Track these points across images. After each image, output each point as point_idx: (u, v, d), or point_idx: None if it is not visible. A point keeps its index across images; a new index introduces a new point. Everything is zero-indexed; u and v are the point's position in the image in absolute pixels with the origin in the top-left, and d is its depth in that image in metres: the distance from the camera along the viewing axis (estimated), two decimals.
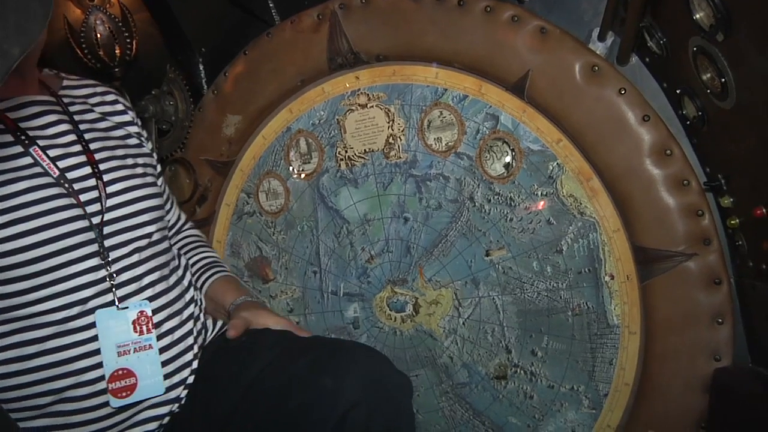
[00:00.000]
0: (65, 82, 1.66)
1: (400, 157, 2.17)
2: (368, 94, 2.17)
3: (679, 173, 1.85)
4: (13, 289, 1.35)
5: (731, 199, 1.75)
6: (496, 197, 2.06)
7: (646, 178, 1.87)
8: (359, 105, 2.19)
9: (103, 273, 1.42)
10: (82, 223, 1.41)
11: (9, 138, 1.41)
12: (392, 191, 2.19)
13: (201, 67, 2.43)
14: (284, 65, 2.22)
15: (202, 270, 1.81)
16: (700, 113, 1.73)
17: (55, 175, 1.41)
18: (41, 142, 1.44)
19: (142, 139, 1.73)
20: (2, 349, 1.38)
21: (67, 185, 1.41)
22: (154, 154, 1.77)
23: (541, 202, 2.01)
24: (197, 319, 1.62)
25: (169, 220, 1.84)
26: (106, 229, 1.45)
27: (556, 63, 1.94)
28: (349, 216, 2.24)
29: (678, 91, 1.83)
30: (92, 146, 1.52)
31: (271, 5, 2.44)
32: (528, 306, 2.06)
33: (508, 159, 2.03)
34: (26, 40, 0.82)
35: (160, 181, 1.77)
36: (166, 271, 1.57)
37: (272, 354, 1.48)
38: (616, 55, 1.96)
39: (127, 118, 1.71)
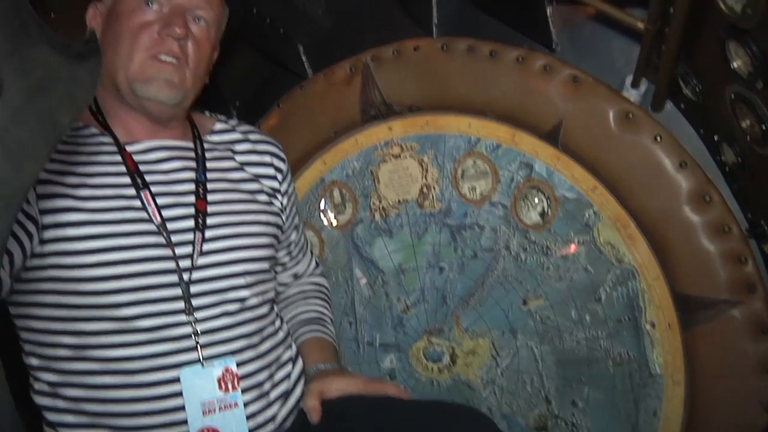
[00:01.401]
0: (217, 126, 1.68)
1: (434, 207, 2.14)
2: (401, 145, 2.16)
3: (720, 219, 1.82)
4: (112, 341, 1.37)
5: None
6: (532, 246, 2.03)
7: (685, 224, 1.85)
8: (392, 155, 2.18)
9: (188, 330, 1.40)
10: (171, 278, 1.40)
11: (127, 180, 1.43)
12: (427, 241, 2.15)
13: None
14: (317, 117, 2.22)
15: (298, 325, 1.77)
16: (739, 159, 1.70)
17: (157, 223, 1.42)
18: (155, 188, 1.45)
19: (279, 195, 1.70)
20: (77, 394, 1.39)
21: (166, 235, 1.42)
22: (290, 211, 1.76)
23: (572, 246, 1.99)
24: (290, 376, 1.60)
25: (296, 272, 1.85)
26: (194, 288, 1.42)
27: (589, 111, 1.93)
28: (384, 266, 2.21)
29: (715, 138, 1.80)
30: (210, 197, 1.51)
31: (303, 58, 2.47)
32: (567, 355, 2.02)
33: (543, 207, 2.02)
34: (75, 108, 0.83)
35: (288, 239, 1.78)
36: (256, 338, 1.53)
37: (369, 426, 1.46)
38: (651, 102, 1.94)
39: (270, 171, 1.68)
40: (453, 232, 2.12)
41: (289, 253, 1.81)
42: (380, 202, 2.20)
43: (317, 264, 1.95)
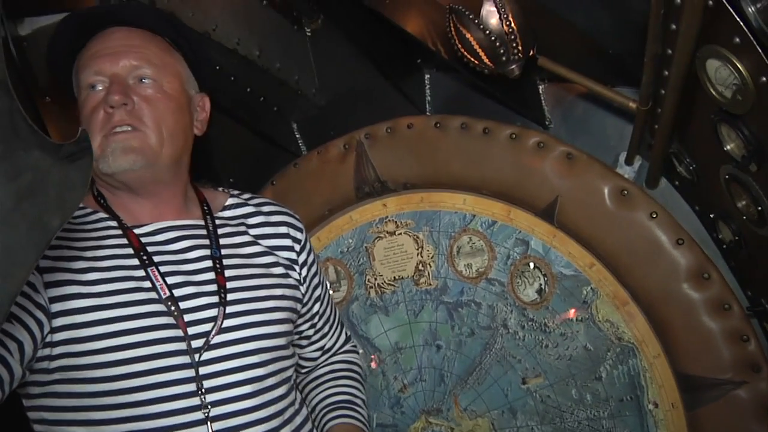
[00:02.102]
0: (229, 201, 1.66)
1: (430, 284, 2.15)
2: (396, 222, 2.18)
3: (719, 297, 1.81)
4: (120, 415, 1.35)
5: None
6: (530, 323, 2.03)
7: (684, 302, 1.84)
8: (387, 232, 2.19)
9: (201, 415, 1.36)
10: (183, 359, 1.39)
11: (135, 261, 1.43)
12: (423, 318, 2.16)
13: None
14: (311, 194, 2.22)
15: (327, 410, 1.69)
16: (736, 237, 1.71)
17: (166, 302, 1.41)
18: (164, 268, 1.44)
19: (297, 266, 1.66)
20: None
21: (177, 314, 1.40)
22: (311, 282, 1.71)
23: (572, 311, 1.99)
24: None
25: (323, 346, 1.78)
26: (206, 369, 1.40)
27: (584, 188, 1.95)
28: (381, 344, 2.19)
29: (712, 216, 1.83)
30: (226, 272, 1.50)
31: (297, 136, 2.51)
32: None
33: (540, 284, 2.03)
34: (66, 210, 0.83)
35: (310, 311, 1.72)
36: (275, 422, 1.47)
37: None
38: (645, 179, 1.98)
39: (286, 242, 1.66)
40: (449, 309, 2.12)
41: (314, 325, 1.75)
42: (375, 279, 2.20)
43: (349, 338, 1.88)
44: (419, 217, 2.15)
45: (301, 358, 1.75)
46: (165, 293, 1.40)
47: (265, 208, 1.69)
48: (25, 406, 1.41)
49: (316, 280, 1.71)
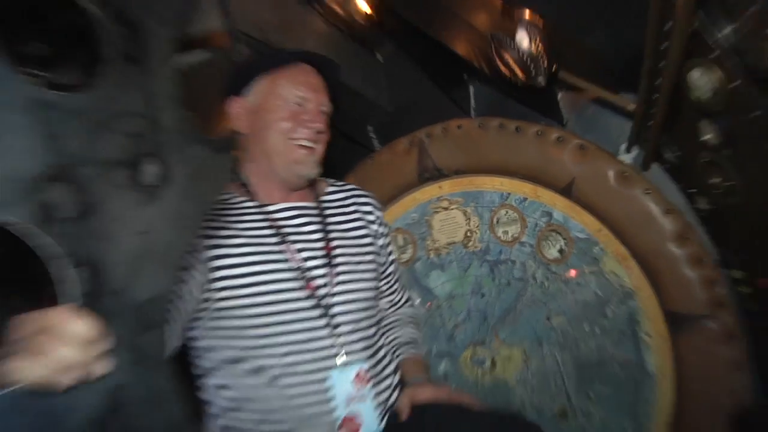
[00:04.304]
0: (329, 188, 1.83)
1: (476, 247, 2.33)
2: (449, 199, 2.36)
3: (697, 253, 2.02)
4: (263, 353, 1.51)
5: (740, 272, 1.90)
6: (553, 275, 2.23)
7: (671, 257, 2.04)
8: (443, 208, 2.37)
9: (331, 342, 1.54)
10: (309, 303, 1.55)
11: (267, 232, 1.60)
12: (471, 273, 2.34)
13: None
14: (384, 180, 2.40)
15: (398, 346, 1.82)
16: (711, 207, 1.90)
17: (296, 266, 1.58)
18: (291, 237, 1.62)
19: (380, 236, 1.83)
20: (253, 398, 1.52)
21: (302, 273, 1.57)
22: (386, 249, 1.86)
23: (573, 271, 2.20)
24: (395, 378, 1.71)
25: (392, 300, 1.92)
26: (334, 309, 1.57)
27: (594, 171, 2.14)
28: (438, 293, 2.37)
29: (692, 190, 2.02)
30: (333, 242, 1.66)
31: (372, 136, 2.71)
32: (582, 360, 2.19)
33: (561, 246, 2.21)
34: (218, 187, 0.98)
35: (385, 271, 1.86)
36: (371, 350, 1.65)
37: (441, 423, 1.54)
38: (641, 164, 2.15)
39: (370, 218, 1.82)
40: (491, 266, 2.32)
41: (387, 282, 1.89)
42: (434, 244, 2.39)
43: (409, 298, 2.01)
44: (467, 195, 2.33)
45: None
46: (297, 262, 1.58)
47: (355, 193, 1.85)
48: (191, 336, 1.56)
49: (389, 249, 1.89)
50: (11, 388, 0.64)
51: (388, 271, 1.88)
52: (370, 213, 1.84)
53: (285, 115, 1.62)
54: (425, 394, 1.62)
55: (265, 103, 1.65)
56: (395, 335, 1.85)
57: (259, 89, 1.67)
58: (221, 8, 2.11)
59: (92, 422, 0.70)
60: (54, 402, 0.67)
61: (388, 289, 1.90)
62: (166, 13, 0.88)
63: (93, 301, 0.73)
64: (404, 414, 1.57)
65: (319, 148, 1.68)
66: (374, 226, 1.83)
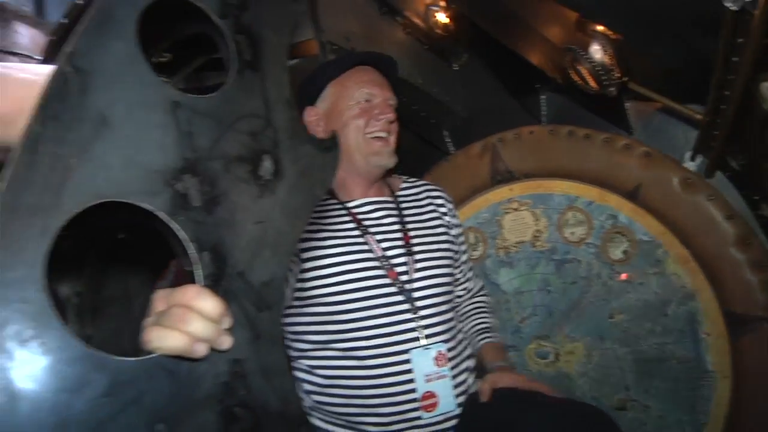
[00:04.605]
0: (403, 184, 1.91)
1: (544, 246, 2.39)
2: (519, 201, 2.44)
3: (758, 258, 2.06)
4: (349, 336, 1.60)
5: None
6: (616, 275, 2.30)
7: (732, 261, 2.08)
8: (513, 209, 2.44)
9: (414, 325, 1.62)
10: (392, 289, 1.64)
11: (350, 226, 1.70)
12: (538, 271, 2.39)
13: None
14: (458, 181, 2.48)
15: (476, 333, 1.88)
16: None
17: (378, 255, 1.67)
18: (372, 229, 1.71)
19: (452, 227, 1.89)
20: (341, 377, 1.62)
21: (385, 262, 1.66)
22: (459, 239, 1.92)
23: (624, 275, 2.26)
24: (471, 362, 1.77)
25: (467, 287, 1.97)
26: (415, 294, 1.65)
27: (659, 177, 2.19)
28: (506, 289, 2.45)
29: (755, 198, 2.06)
30: (411, 233, 1.74)
31: (448, 140, 2.82)
32: (642, 355, 2.25)
33: (625, 247, 2.28)
34: (325, 184, 0.96)
35: (459, 260, 1.91)
36: (454, 326, 1.72)
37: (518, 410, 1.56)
38: (705, 171, 2.18)
39: (443, 210, 1.89)
40: (557, 264, 2.37)
41: (461, 270, 1.94)
42: (503, 242, 2.47)
43: (483, 286, 2.06)
44: (536, 198, 2.39)
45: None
46: (378, 252, 1.66)
47: (428, 188, 1.92)
48: (285, 322, 1.65)
49: (461, 239, 1.94)
50: (154, 354, 0.72)
51: (462, 260, 1.93)
52: (442, 205, 1.90)
53: (357, 113, 1.72)
54: (506, 379, 1.67)
55: (337, 106, 1.74)
56: (474, 322, 1.90)
57: (329, 95, 1.77)
58: (312, 19, 2.25)
59: (220, 386, 0.77)
60: (189, 368, 0.74)
61: (462, 277, 1.95)
62: (279, 22, 0.98)
63: (216, 283, 0.79)
64: (485, 396, 1.62)
65: (392, 138, 1.77)
66: (447, 218, 1.88)
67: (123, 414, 0.66)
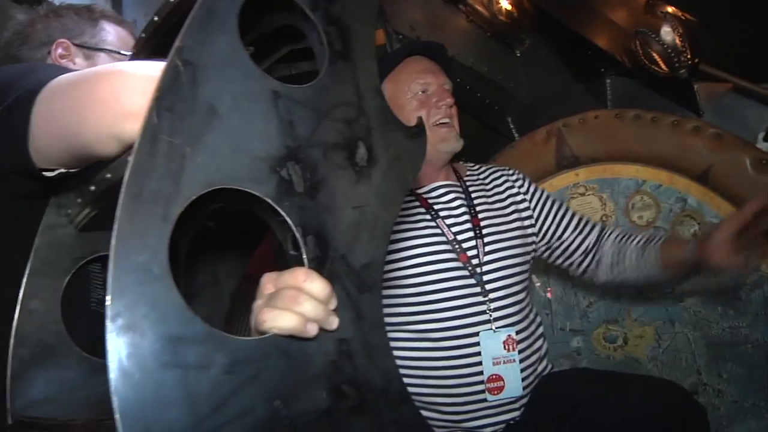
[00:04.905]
0: (468, 171, 1.91)
1: None
2: (585, 186, 2.44)
3: None
4: (422, 318, 1.63)
5: None
6: None
7: None
8: (579, 194, 2.44)
9: (484, 308, 1.64)
10: (464, 272, 1.66)
11: (421, 210, 1.73)
12: None
13: None
14: (523, 167, 2.27)
15: (642, 249, 1.75)
16: None
17: (449, 239, 1.69)
18: (442, 213, 1.73)
19: (524, 201, 1.86)
20: (413, 357, 1.65)
21: (456, 246, 1.69)
22: (539, 209, 1.86)
23: None
24: (542, 347, 1.78)
25: (589, 243, 1.87)
26: (485, 277, 1.67)
27: (730, 159, 2.13)
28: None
29: None
30: (480, 216, 1.75)
31: (511, 126, 2.83)
32: (714, 339, 2.22)
33: (695, 230, 2.25)
34: (415, 170, 0.97)
35: (542, 229, 1.85)
36: (526, 309, 1.73)
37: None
38: None
39: (513, 191, 1.87)
40: None
41: (576, 228, 1.87)
42: None
43: (605, 227, 1.92)
44: (603, 182, 2.38)
45: (575, 265, 1.88)
46: (450, 236, 1.69)
47: (491, 170, 1.93)
48: None
49: (550, 205, 1.87)
50: (269, 335, 0.75)
51: (546, 226, 1.87)
52: (512, 187, 1.89)
53: (416, 105, 1.74)
54: (726, 227, 1.51)
55: (396, 100, 1.74)
56: (630, 250, 1.79)
57: (386, 92, 1.74)
58: (379, 8, 2.28)
59: (328, 365, 0.79)
60: (300, 347, 0.77)
61: (581, 232, 1.88)
62: (365, 12, 1.00)
63: (321, 266, 0.81)
64: (728, 240, 1.48)
65: (455, 122, 1.78)
66: (519, 197, 1.87)
67: (243, 390, 0.70)
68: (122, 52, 1.57)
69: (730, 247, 1.48)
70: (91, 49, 1.56)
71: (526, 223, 1.85)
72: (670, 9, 2.05)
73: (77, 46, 1.54)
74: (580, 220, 1.90)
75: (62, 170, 1.00)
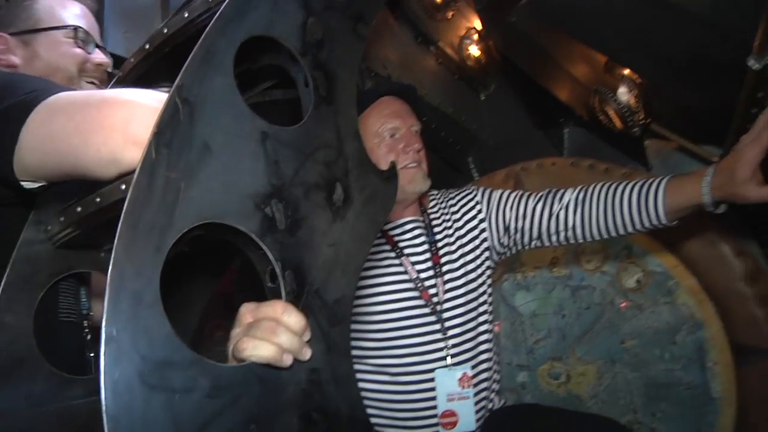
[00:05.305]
0: (432, 202, 1.87)
1: (561, 273, 2.45)
2: None
3: (766, 293, 2.10)
4: (382, 354, 1.66)
5: None
6: (629, 303, 2.35)
7: (740, 294, 2.10)
8: None
9: (442, 345, 1.65)
10: (426, 310, 1.67)
11: (389, 249, 1.72)
12: (554, 296, 2.45)
13: None
14: None
15: (644, 184, 1.63)
16: None
17: (413, 277, 1.69)
18: (406, 251, 1.73)
19: (482, 221, 1.80)
20: (373, 390, 1.68)
21: (419, 284, 1.69)
22: (497, 214, 1.79)
23: (624, 303, 2.31)
24: (497, 382, 1.80)
25: (546, 200, 1.77)
26: (445, 315, 1.68)
27: None
28: (523, 311, 2.51)
29: (766, 237, 2.14)
30: (441, 252, 1.74)
31: (471, 166, 2.88)
32: (651, 380, 2.29)
33: (638, 277, 2.33)
34: (386, 211, 1.00)
35: (501, 230, 1.78)
36: (486, 344, 1.73)
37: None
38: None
39: (472, 212, 1.82)
40: (573, 290, 2.42)
41: (533, 200, 1.80)
42: (522, 267, 2.54)
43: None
44: None
45: (547, 233, 1.75)
46: (413, 275, 1.69)
47: (450, 196, 1.91)
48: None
49: (506, 197, 1.82)
50: (245, 363, 0.77)
51: (510, 216, 1.79)
52: (467, 205, 1.84)
53: (385, 150, 1.69)
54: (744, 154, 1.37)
55: (366, 142, 1.67)
56: (604, 194, 1.69)
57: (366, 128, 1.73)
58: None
59: (300, 393, 0.83)
60: (275, 375, 0.80)
61: (535, 196, 1.82)
62: (349, 60, 1.05)
63: (297, 299, 0.85)
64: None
65: (424, 164, 1.75)
66: (474, 213, 1.82)
67: (223, 414, 0.74)
68: (57, 26, 1.48)
69: (760, 177, 1.35)
70: (27, 33, 1.47)
71: (482, 236, 1.80)
72: (626, 71, 2.14)
73: (13, 35, 1.47)
74: (532, 192, 1.84)
75: (43, 183, 1.01)
